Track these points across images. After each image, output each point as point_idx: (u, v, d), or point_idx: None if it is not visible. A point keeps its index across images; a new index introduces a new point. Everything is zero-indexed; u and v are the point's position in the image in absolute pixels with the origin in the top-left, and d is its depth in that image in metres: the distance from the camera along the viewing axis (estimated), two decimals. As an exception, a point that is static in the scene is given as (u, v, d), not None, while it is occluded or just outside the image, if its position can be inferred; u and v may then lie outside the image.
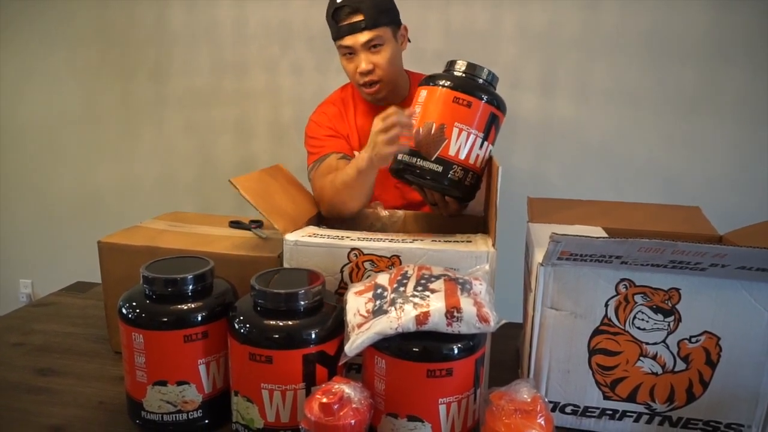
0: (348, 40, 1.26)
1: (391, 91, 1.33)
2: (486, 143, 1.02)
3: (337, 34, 1.27)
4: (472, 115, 1.00)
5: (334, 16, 1.26)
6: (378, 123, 0.99)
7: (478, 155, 1.01)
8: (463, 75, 1.05)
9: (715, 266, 0.71)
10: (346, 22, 1.25)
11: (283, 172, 1.17)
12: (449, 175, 1.00)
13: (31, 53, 2.42)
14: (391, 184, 1.31)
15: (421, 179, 1.03)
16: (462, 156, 1.00)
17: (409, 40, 1.40)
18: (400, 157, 1.03)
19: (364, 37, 1.24)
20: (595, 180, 2.03)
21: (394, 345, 0.70)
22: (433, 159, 1.00)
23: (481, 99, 1.01)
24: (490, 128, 1.03)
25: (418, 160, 1.01)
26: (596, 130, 2.00)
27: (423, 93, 1.05)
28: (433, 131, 1.00)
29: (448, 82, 1.02)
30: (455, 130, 0.99)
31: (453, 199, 1.09)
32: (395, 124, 0.97)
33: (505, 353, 1.00)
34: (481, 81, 1.04)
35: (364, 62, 1.26)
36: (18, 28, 2.39)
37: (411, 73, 1.42)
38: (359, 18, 1.23)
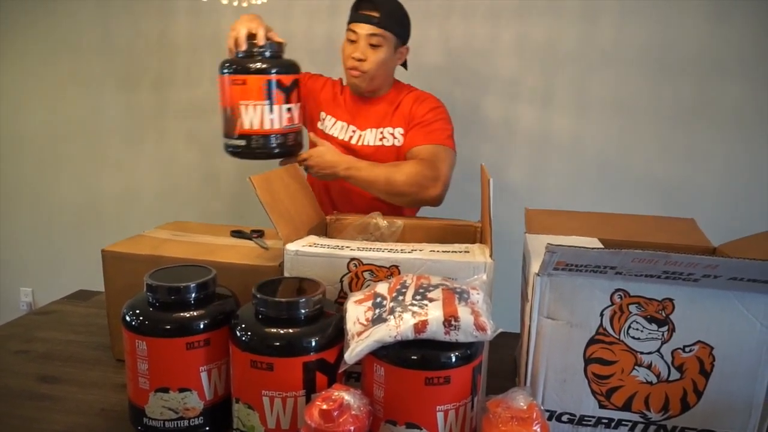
0: (356, 27, 1.41)
1: (370, 86, 1.47)
2: (275, 106, 1.19)
3: (352, 18, 1.44)
4: (250, 91, 1.18)
5: (357, 3, 1.43)
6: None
7: (271, 119, 1.19)
8: (242, 55, 1.21)
9: (708, 277, 0.72)
10: (362, 12, 1.41)
11: (298, 173, 1.19)
12: (253, 145, 1.19)
13: (35, 63, 2.44)
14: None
15: (241, 156, 1.22)
16: (256, 126, 1.18)
17: (405, 65, 1.51)
18: (225, 142, 1.23)
19: (369, 30, 1.40)
20: (592, 192, 2.04)
21: (392, 353, 0.71)
22: (236, 136, 1.19)
23: (253, 73, 1.18)
24: (271, 93, 1.19)
25: (229, 140, 1.21)
26: (593, 142, 2.02)
27: (219, 82, 1.23)
28: (226, 115, 1.20)
29: (226, 68, 1.20)
30: (242, 108, 1.18)
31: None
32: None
33: (503, 362, 1.01)
34: (256, 56, 1.20)
35: (359, 51, 1.41)
36: (21, 38, 2.41)
37: (398, 82, 1.54)
38: (375, 14, 1.40)
